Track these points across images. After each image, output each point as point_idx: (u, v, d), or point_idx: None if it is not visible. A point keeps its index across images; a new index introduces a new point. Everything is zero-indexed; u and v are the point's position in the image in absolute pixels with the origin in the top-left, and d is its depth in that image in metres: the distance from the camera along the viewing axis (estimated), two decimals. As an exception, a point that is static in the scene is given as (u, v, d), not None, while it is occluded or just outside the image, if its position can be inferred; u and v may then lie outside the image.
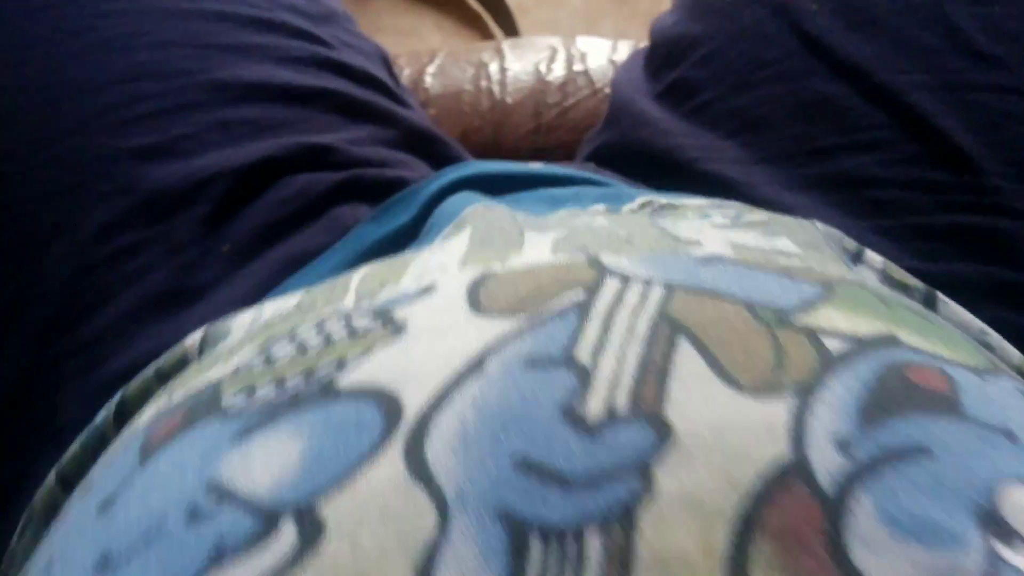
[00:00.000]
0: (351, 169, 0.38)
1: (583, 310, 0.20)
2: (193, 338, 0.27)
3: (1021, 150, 0.36)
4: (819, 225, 0.30)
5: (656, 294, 0.21)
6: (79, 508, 0.22)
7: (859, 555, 0.16)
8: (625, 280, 0.21)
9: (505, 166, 0.37)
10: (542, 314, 0.20)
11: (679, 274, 0.22)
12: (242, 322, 0.26)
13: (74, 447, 0.28)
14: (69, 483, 0.27)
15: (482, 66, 0.51)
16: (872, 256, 0.29)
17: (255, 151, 0.36)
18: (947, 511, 0.17)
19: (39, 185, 0.34)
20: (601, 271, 0.22)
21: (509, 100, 0.51)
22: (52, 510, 0.26)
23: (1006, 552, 0.17)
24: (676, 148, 0.40)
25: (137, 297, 0.33)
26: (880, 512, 0.17)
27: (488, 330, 0.20)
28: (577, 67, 0.51)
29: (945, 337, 0.22)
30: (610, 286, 0.21)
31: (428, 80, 0.50)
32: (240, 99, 0.37)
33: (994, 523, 0.17)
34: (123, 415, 0.27)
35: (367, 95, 0.41)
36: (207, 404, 0.21)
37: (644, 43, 0.48)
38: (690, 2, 0.45)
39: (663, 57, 0.45)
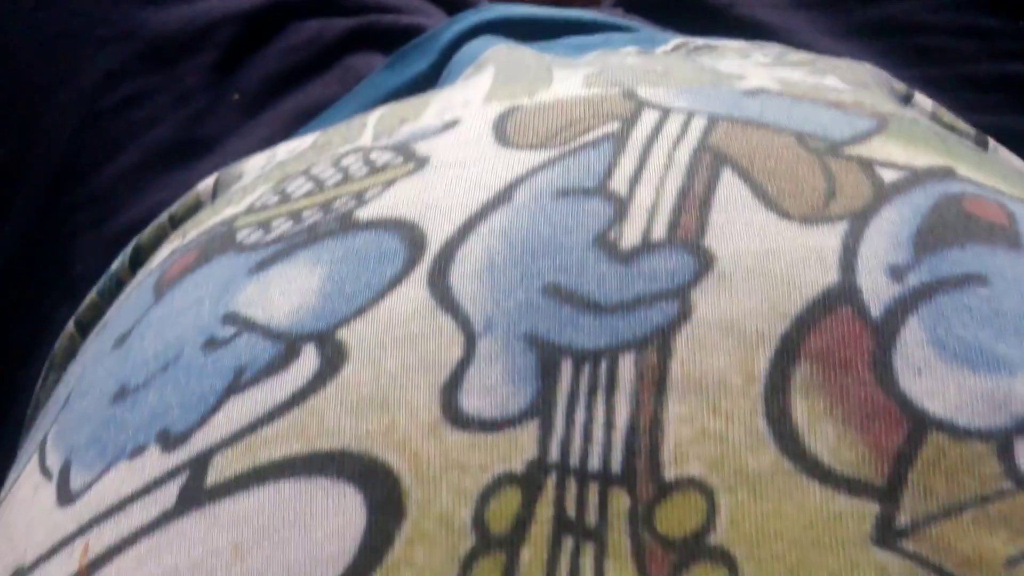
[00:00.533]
0: (364, 15, 0.36)
1: (619, 141, 0.19)
2: (206, 183, 0.26)
3: (1084, -8, 0.33)
4: (867, 66, 0.28)
5: (698, 124, 0.19)
6: (96, 345, 0.22)
7: (905, 377, 0.15)
8: (664, 111, 0.20)
9: (528, 9, 0.34)
10: (574, 145, 0.19)
11: (722, 105, 0.20)
12: (255, 164, 0.25)
13: (91, 295, 0.27)
14: (87, 329, 0.27)
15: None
16: (922, 99, 0.28)
17: (263, -7, 0.34)
18: (1002, 339, 0.16)
19: (37, 31, 0.32)
20: (638, 103, 0.20)
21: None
22: (71, 355, 0.26)
23: None
24: None
25: (146, 148, 0.32)
26: (930, 336, 0.16)
27: (516, 162, 0.19)
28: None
29: (1003, 174, 0.21)
30: (648, 117, 0.20)
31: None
32: (244, -62, 0.35)
33: None
34: (138, 261, 0.26)
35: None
36: (222, 240, 0.20)
37: None
38: None
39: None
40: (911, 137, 0.20)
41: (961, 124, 0.29)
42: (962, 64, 0.34)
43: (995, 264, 0.17)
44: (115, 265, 0.27)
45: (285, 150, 0.24)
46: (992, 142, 0.28)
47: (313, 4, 0.35)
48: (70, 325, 0.28)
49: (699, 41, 0.31)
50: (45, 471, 0.20)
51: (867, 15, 0.35)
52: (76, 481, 0.19)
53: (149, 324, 0.20)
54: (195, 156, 0.33)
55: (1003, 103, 0.33)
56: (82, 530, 0.18)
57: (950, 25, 0.34)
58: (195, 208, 0.26)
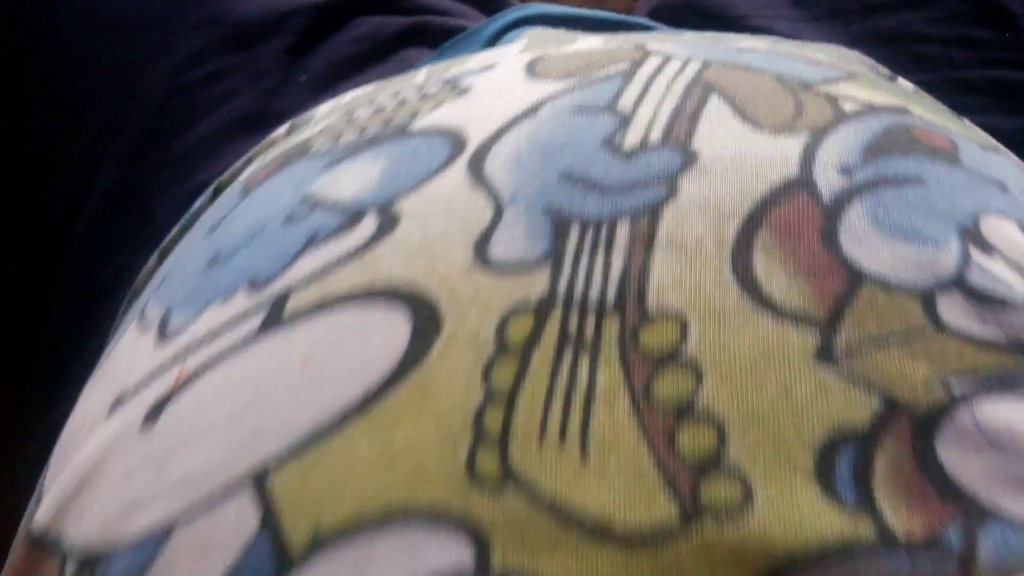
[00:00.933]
0: (419, 15, 0.41)
1: (627, 76, 0.23)
2: (279, 130, 0.30)
3: (1066, 8, 0.37)
4: (855, 52, 0.32)
5: (694, 66, 0.23)
6: (188, 240, 0.26)
7: (846, 243, 0.19)
8: (667, 57, 0.24)
9: (563, 9, 0.39)
10: (590, 78, 0.23)
11: (716, 55, 0.24)
12: (323, 108, 0.29)
13: (173, 231, 0.32)
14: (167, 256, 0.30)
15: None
16: (904, 82, 0.31)
17: (331, -12, 0.39)
18: (931, 224, 0.20)
19: (135, 14, 0.37)
20: (645, 52, 0.24)
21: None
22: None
23: (980, 257, 0.19)
24: (730, 6, 0.42)
25: (224, 117, 0.37)
26: (870, 216, 0.19)
27: (542, 89, 0.23)
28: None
29: (958, 123, 0.25)
30: (653, 60, 0.24)
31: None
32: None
33: (973, 236, 0.20)
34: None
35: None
36: (298, 152, 0.25)
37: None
38: None
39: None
40: (875, 85, 0.24)
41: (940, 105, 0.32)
42: (954, 70, 0.37)
43: (933, 172, 0.21)
44: (197, 204, 0.31)
45: (350, 95, 0.29)
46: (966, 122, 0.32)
47: (375, 2, 0.40)
48: (153, 257, 0.32)
49: (709, 34, 0.36)
50: (144, 326, 0.24)
51: (869, 26, 0.39)
52: (173, 325, 0.23)
53: (237, 213, 0.24)
54: (266, 126, 0.37)
55: (990, 105, 0.37)
56: (177, 358, 0.22)
57: (943, 35, 0.38)
58: (270, 147, 0.30)
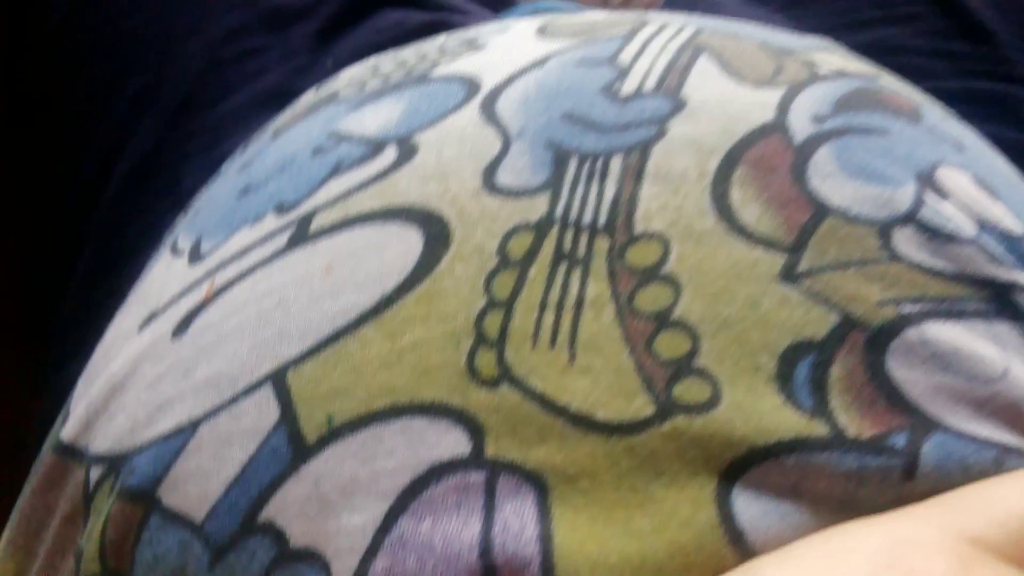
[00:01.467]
0: (439, 12, 0.44)
1: (627, 37, 0.26)
2: (310, 91, 0.33)
3: (1037, 27, 0.40)
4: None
5: (688, 31, 0.26)
6: (220, 176, 0.28)
7: (814, 180, 0.21)
8: (665, 24, 0.27)
9: (572, 5, 0.42)
10: (594, 38, 0.26)
11: (708, 23, 0.27)
12: (350, 70, 0.32)
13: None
14: None
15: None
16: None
17: (361, -16, 0.42)
18: (891, 167, 0.22)
19: (179, -9, 0.40)
20: (645, 19, 0.27)
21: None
22: None
23: (933, 199, 0.22)
24: (729, 18, 0.45)
25: (255, 91, 0.39)
26: (836, 158, 0.22)
27: (550, 46, 0.26)
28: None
29: (923, 96, 0.27)
30: (652, 25, 0.26)
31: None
32: (350, -54, 0.43)
33: (929, 182, 0.22)
34: None
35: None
36: (327, 99, 0.27)
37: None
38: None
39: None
40: (852, 57, 0.27)
41: None
42: (934, 80, 0.40)
43: (895, 126, 0.23)
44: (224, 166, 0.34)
45: (373, 59, 0.31)
46: None
47: (401, -5, 0.43)
48: (179, 216, 0.34)
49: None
50: (176, 253, 0.26)
51: (857, 39, 0.42)
52: (205, 247, 0.25)
53: (268, 151, 0.27)
54: (292, 102, 0.40)
55: (968, 113, 0.39)
56: (209, 273, 0.24)
57: (925, 48, 0.41)
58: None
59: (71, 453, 0.24)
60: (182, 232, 0.27)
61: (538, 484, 0.19)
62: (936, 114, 0.25)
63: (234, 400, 0.21)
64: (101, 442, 0.23)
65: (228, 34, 0.40)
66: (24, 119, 0.42)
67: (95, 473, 0.23)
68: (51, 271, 0.41)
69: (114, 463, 0.23)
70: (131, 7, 0.40)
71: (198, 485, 0.21)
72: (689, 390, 0.19)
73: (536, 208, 0.21)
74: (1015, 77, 0.39)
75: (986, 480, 0.19)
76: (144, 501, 0.21)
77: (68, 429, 0.25)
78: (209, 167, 0.38)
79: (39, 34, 0.40)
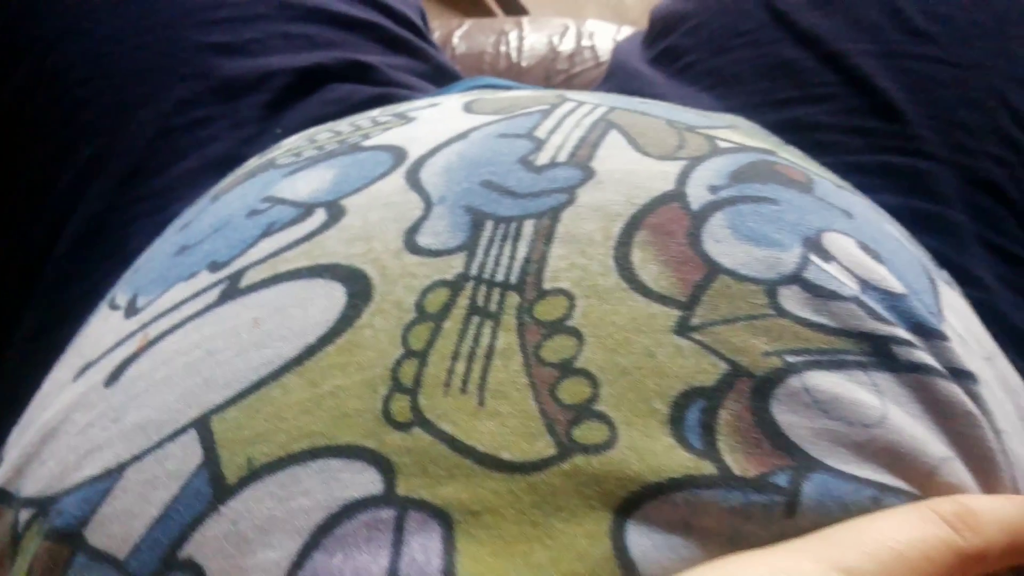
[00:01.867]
0: (386, 87, 0.46)
1: (545, 113, 0.28)
2: (249, 161, 0.35)
3: (942, 107, 0.43)
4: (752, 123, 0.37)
5: (601, 109, 0.28)
6: (161, 237, 0.30)
7: (708, 243, 0.23)
8: (581, 102, 0.29)
9: (508, 83, 0.44)
10: (515, 114, 0.28)
11: (621, 103, 0.29)
12: (289, 140, 0.33)
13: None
14: None
15: (503, 34, 0.59)
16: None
17: (310, 58, 0.44)
18: (779, 233, 0.24)
19: (135, 63, 0.42)
20: (564, 97, 0.29)
21: (524, 64, 0.58)
22: None
23: (818, 260, 0.24)
24: (660, 97, 0.48)
25: (204, 158, 0.41)
26: (728, 224, 0.24)
27: (475, 120, 0.28)
28: (585, 43, 0.59)
29: (819, 168, 0.29)
30: (569, 103, 0.29)
31: (455, 41, 0.58)
32: (301, 18, 0.45)
33: (814, 246, 0.24)
34: None
35: (404, 33, 0.49)
36: (264, 166, 0.29)
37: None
38: (685, -14, 0.53)
39: (658, 30, 0.53)
40: (751, 133, 0.29)
41: None
42: (850, 155, 0.43)
43: (786, 195, 0.25)
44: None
45: (313, 129, 0.33)
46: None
47: (349, 72, 0.45)
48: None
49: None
50: (114, 307, 0.27)
51: (779, 117, 0.45)
52: (141, 302, 0.26)
53: (205, 213, 0.28)
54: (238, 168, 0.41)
55: (880, 186, 0.42)
56: (143, 326, 0.25)
57: (841, 125, 0.43)
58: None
59: (2, 497, 0.25)
60: (120, 289, 0.28)
61: (444, 520, 0.20)
62: (827, 185, 0.27)
63: (160, 445, 0.22)
64: (32, 486, 0.24)
65: (179, 104, 0.41)
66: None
67: (24, 515, 0.23)
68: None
69: (43, 505, 0.23)
70: (85, 78, 0.41)
71: (123, 525, 0.21)
72: (588, 432, 0.20)
73: (453, 267, 0.23)
74: (923, 152, 0.42)
75: (863, 516, 0.20)
76: (70, 541, 0.22)
77: (0, 474, 0.25)
78: (155, 230, 0.39)
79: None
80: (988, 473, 0.23)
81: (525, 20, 0.60)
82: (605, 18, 0.64)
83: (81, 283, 0.40)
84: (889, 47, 0.44)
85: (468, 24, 0.59)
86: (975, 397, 0.23)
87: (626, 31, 0.60)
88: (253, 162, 0.32)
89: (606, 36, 0.60)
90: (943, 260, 0.35)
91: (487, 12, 0.88)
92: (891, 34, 0.44)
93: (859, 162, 0.43)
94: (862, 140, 0.43)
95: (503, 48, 0.58)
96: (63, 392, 0.26)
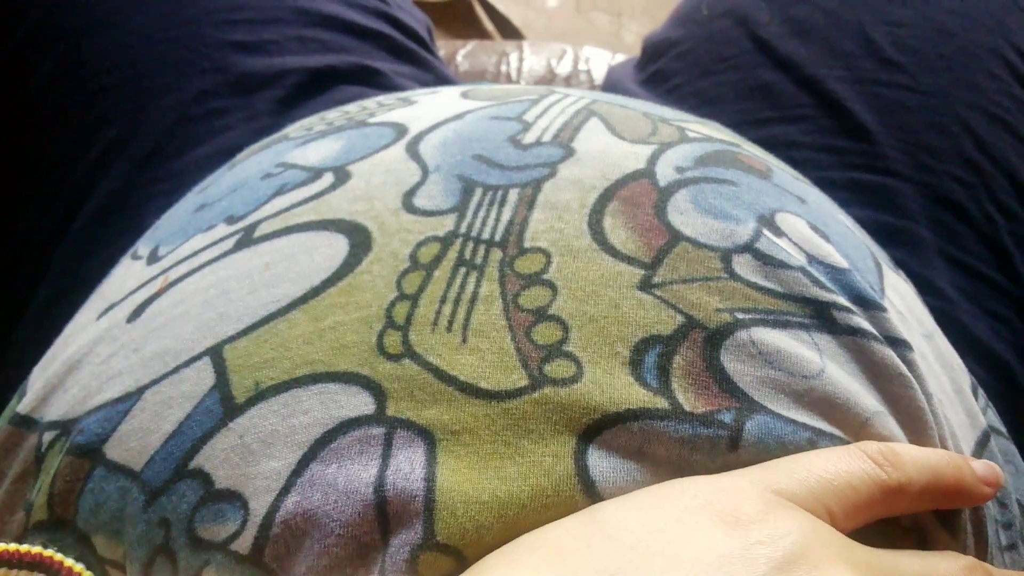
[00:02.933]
0: (391, 91, 0.49)
1: (534, 101, 0.31)
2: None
3: (909, 130, 0.46)
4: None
5: (585, 100, 0.31)
6: (179, 203, 0.32)
7: (672, 215, 0.26)
8: (567, 94, 0.32)
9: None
10: (507, 101, 0.31)
11: (604, 98, 0.32)
12: (300, 121, 0.36)
13: None
14: None
15: (504, 55, 0.62)
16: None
17: (323, 60, 0.47)
18: (736, 209, 0.27)
19: (159, 55, 0.45)
20: (551, 90, 0.32)
21: (522, 84, 0.61)
22: None
23: (770, 234, 0.26)
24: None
25: (218, 145, 0.44)
26: (691, 199, 0.26)
27: (470, 104, 0.31)
28: (582, 67, 0.63)
29: (780, 163, 0.32)
30: (556, 94, 0.32)
31: (459, 59, 0.61)
32: (315, 24, 0.48)
33: (768, 223, 0.27)
34: None
35: (411, 45, 0.52)
36: (278, 138, 0.32)
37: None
38: (676, 16, 0.57)
39: (649, 55, 0.56)
40: (719, 130, 0.32)
41: None
42: (821, 171, 0.46)
43: (745, 179, 0.28)
44: None
45: (324, 111, 0.36)
46: None
47: (358, 75, 0.48)
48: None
49: None
50: (135, 257, 0.30)
51: (757, 135, 0.47)
52: (162, 251, 0.29)
53: (224, 177, 0.31)
54: None
55: (849, 200, 0.45)
56: (164, 271, 0.28)
57: (814, 144, 0.46)
58: None
59: (26, 423, 0.27)
60: (142, 243, 0.30)
61: (427, 437, 0.22)
62: (785, 176, 0.30)
63: (176, 370, 0.24)
64: (55, 411, 0.26)
65: (199, 95, 0.44)
66: (3, 165, 0.46)
67: (48, 436, 0.26)
68: (10, 299, 0.44)
69: (66, 426, 0.25)
70: (112, 67, 0.44)
71: (139, 440, 0.24)
72: (557, 368, 0.23)
73: (444, 225, 0.26)
74: (890, 171, 0.45)
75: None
76: (91, 455, 0.24)
77: (24, 404, 0.27)
78: (170, 208, 0.42)
79: (25, 87, 0.45)
80: (918, 431, 0.25)
81: (526, 44, 0.64)
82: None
83: (98, 254, 0.42)
84: (861, 74, 0.47)
85: (472, 44, 0.62)
86: (909, 363, 0.26)
87: (619, 58, 0.64)
88: (267, 139, 0.35)
89: (601, 61, 0.63)
90: (906, 270, 0.38)
91: (486, 37, 0.92)
92: (863, 62, 0.48)
93: (830, 178, 0.46)
94: (833, 158, 0.46)
95: (504, 68, 0.61)
96: (86, 330, 0.28)
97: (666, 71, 0.53)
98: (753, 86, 0.49)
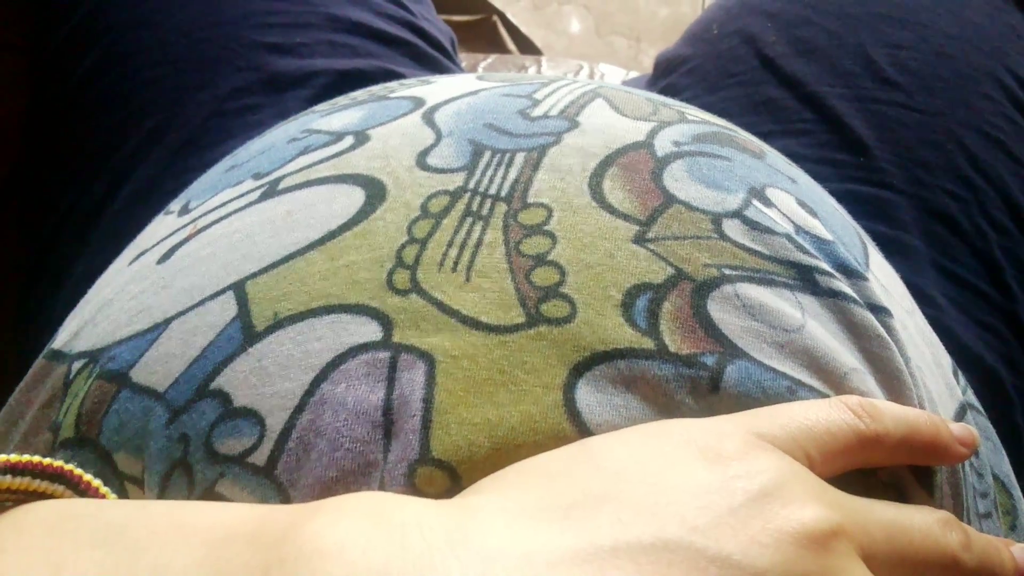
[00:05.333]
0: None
1: (543, 84, 0.33)
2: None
3: (905, 146, 0.48)
4: None
5: (592, 84, 0.34)
6: (211, 169, 0.35)
7: (667, 180, 0.28)
8: (575, 80, 0.34)
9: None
10: (519, 81, 0.33)
11: (610, 84, 0.35)
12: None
13: None
14: None
15: (523, 68, 0.65)
16: None
17: (351, 63, 0.50)
18: (728, 181, 0.29)
19: (198, 53, 0.48)
20: (562, 77, 0.35)
21: (542, 96, 0.64)
22: None
23: (759, 204, 0.28)
24: None
25: (249, 139, 0.46)
26: (687, 169, 0.29)
27: (484, 84, 0.33)
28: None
29: (774, 150, 0.34)
30: (565, 79, 0.34)
31: (480, 71, 0.64)
32: (345, 30, 0.51)
33: (758, 194, 0.29)
34: None
35: (435, 54, 0.55)
36: (305, 111, 0.34)
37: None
38: (688, 35, 0.60)
39: (661, 71, 0.59)
40: (718, 118, 0.34)
41: None
42: (820, 182, 0.47)
43: (740, 157, 0.30)
44: None
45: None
46: None
47: (383, 78, 0.51)
48: None
49: None
50: (168, 212, 0.32)
51: (759, 148, 0.50)
52: (192, 205, 0.31)
53: (253, 143, 0.33)
54: None
55: (846, 210, 0.47)
56: (194, 221, 0.30)
57: (814, 156, 0.49)
58: None
59: (57, 356, 0.29)
60: (175, 201, 0.33)
61: (428, 360, 0.24)
62: (779, 159, 0.32)
63: (201, 303, 0.27)
64: (85, 343, 0.28)
65: (233, 91, 0.47)
66: (48, 148, 0.49)
67: (77, 365, 0.28)
68: (51, 272, 0.46)
69: (95, 355, 0.27)
70: (153, 62, 0.47)
71: (165, 365, 0.26)
72: (553, 308, 0.25)
73: (454, 181, 0.28)
74: (886, 184, 0.47)
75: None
76: (119, 379, 0.26)
77: (58, 340, 0.30)
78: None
79: (72, 76, 0.48)
80: (896, 391, 0.27)
81: (544, 59, 0.66)
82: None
83: (132, 235, 0.44)
84: (861, 92, 0.50)
85: (492, 58, 0.65)
86: (889, 328, 0.28)
87: (633, 75, 0.66)
88: (297, 113, 0.37)
89: (616, 78, 0.66)
90: (900, 278, 0.40)
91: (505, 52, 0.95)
92: (863, 81, 0.50)
93: (828, 188, 0.47)
94: (832, 170, 0.48)
95: (522, 81, 0.64)
96: (119, 274, 0.30)
97: (676, 86, 0.56)
98: (758, 101, 0.52)
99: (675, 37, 0.62)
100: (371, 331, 0.25)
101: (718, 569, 0.19)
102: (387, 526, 0.20)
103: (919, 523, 0.24)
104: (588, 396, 0.24)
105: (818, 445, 0.24)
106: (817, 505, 0.21)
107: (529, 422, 0.23)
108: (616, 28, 0.90)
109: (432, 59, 0.54)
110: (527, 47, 0.67)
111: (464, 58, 0.65)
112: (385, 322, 0.25)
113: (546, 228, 0.26)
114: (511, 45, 0.66)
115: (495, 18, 0.69)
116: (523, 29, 0.73)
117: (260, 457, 0.23)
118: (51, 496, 0.23)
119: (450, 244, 0.26)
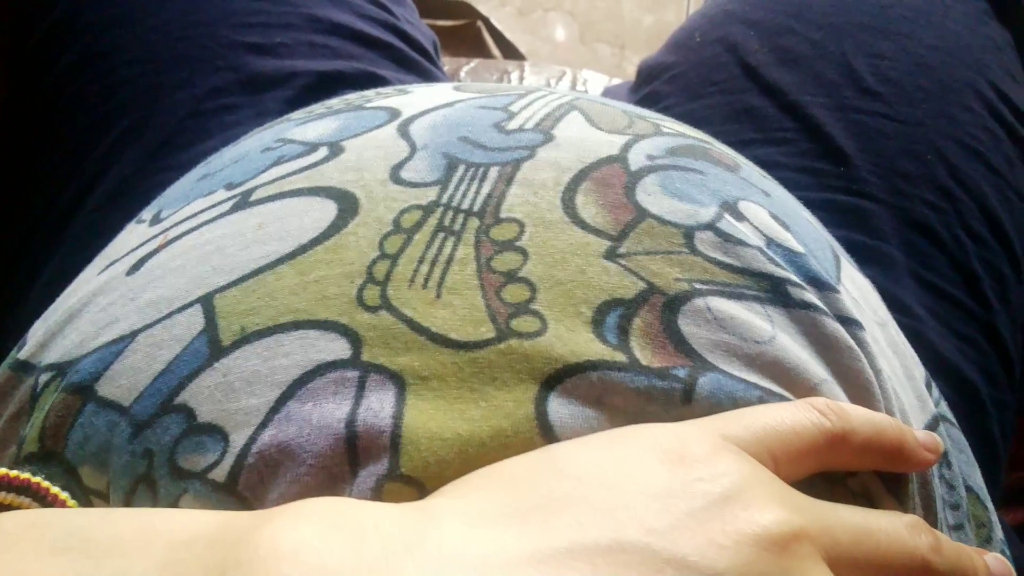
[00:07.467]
0: (394, 95, 0.52)
1: (520, 95, 0.33)
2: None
3: (885, 156, 0.48)
4: None
5: (568, 97, 0.33)
6: (183, 178, 0.34)
7: (640, 195, 0.28)
8: (551, 91, 0.34)
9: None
10: (495, 93, 0.33)
11: (586, 95, 0.34)
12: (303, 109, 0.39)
13: None
14: None
15: (506, 73, 0.65)
16: None
17: (331, 65, 0.50)
18: (701, 194, 0.29)
19: (176, 51, 0.47)
20: (537, 87, 0.35)
21: (525, 101, 0.64)
22: None
23: (731, 218, 0.28)
24: None
25: (227, 139, 0.46)
26: (659, 183, 0.28)
27: (460, 95, 0.33)
28: (580, 87, 0.65)
29: (748, 161, 0.34)
30: (542, 91, 0.34)
31: (462, 75, 0.64)
32: (326, 31, 0.51)
33: (730, 208, 0.29)
34: None
35: (417, 57, 0.55)
36: (280, 120, 0.34)
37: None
38: (671, 42, 0.60)
39: (643, 78, 0.59)
40: (694, 130, 0.34)
41: None
42: (801, 192, 0.48)
43: (713, 170, 0.30)
44: None
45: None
46: None
47: (364, 81, 0.50)
48: None
49: None
50: (139, 222, 0.32)
51: (741, 154, 0.50)
52: (164, 214, 0.31)
53: (227, 151, 0.33)
54: None
55: (825, 219, 0.46)
56: (165, 231, 0.30)
57: (794, 165, 0.49)
58: None
59: (24, 368, 0.29)
60: (146, 210, 0.32)
61: (398, 381, 0.24)
62: (753, 172, 0.32)
63: (168, 316, 0.26)
64: (53, 355, 0.28)
65: (211, 91, 0.47)
66: (25, 146, 0.48)
67: (44, 377, 0.27)
68: (23, 271, 0.46)
69: (62, 368, 0.27)
70: (131, 60, 0.47)
71: (130, 378, 0.25)
72: (523, 323, 0.25)
73: (427, 195, 0.28)
74: (865, 193, 0.47)
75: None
76: (83, 392, 0.26)
77: (25, 351, 0.29)
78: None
79: (49, 74, 0.47)
80: (866, 402, 0.27)
81: (527, 64, 0.66)
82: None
83: (105, 237, 0.44)
84: (842, 102, 0.50)
85: (475, 62, 0.65)
86: (859, 341, 0.27)
87: (616, 82, 0.66)
88: (271, 121, 0.37)
89: (599, 84, 0.66)
90: (878, 288, 0.40)
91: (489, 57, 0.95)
92: (845, 91, 0.50)
93: (808, 197, 0.48)
94: (812, 179, 0.48)
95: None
96: (88, 284, 0.30)
97: (658, 93, 0.56)
98: (740, 109, 0.52)
99: (659, 45, 0.62)
100: (340, 348, 0.24)
101: (674, 570, 0.19)
102: (344, 528, 0.20)
103: (886, 526, 0.24)
104: (560, 408, 0.23)
105: (784, 445, 0.24)
106: (779, 508, 0.21)
107: (500, 437, 0.23)
108: (601, 35, 0.90)
109: (414, 62, 0.54)
110: (511, 52, 0.67)
111: (446, 62, 0.65)
112: (354, 339, 0.24)
113: (518, 244, 0.26)
114: (495, 51, 0.66)
115: (479, 23, 0.68)
116: (508, 35, 0.73)
117: (220, 473, 0.23)
118: (18, 508, 0.23)
119: (421, 260, 0.26)
